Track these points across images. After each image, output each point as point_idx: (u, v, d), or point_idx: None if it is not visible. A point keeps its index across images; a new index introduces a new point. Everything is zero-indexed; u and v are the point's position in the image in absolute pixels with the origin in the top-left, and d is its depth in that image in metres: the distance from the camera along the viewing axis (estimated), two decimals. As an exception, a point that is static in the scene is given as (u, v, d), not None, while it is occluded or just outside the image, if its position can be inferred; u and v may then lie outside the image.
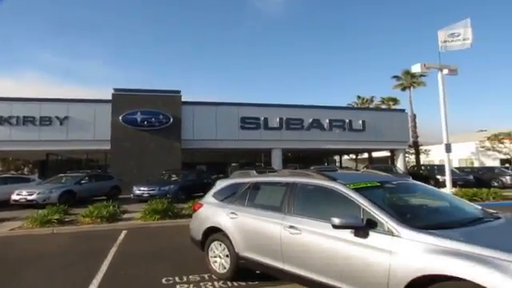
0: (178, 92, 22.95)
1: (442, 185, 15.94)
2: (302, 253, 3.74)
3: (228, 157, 30.13)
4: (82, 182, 16.53)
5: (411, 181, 4.88)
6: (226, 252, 4.92)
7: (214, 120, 23.30)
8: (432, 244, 2.77)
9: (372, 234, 3.12)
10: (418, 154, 35.37)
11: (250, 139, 24.00)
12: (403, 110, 30.16)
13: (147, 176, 18.24)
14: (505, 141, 28.93)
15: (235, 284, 4.81)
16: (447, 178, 15.49)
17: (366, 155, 39.18)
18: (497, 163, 33.35)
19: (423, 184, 4.81)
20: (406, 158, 35.14)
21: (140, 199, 15.08)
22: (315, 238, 3.58)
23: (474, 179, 20.44)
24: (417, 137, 34.95)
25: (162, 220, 10.66)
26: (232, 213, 4.85)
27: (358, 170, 5.35)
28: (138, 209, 12.01)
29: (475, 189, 15.37)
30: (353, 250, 3.21)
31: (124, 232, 9.26)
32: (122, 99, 21.54)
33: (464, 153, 40.48)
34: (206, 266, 5.33)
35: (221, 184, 5.62)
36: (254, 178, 5.10)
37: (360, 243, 3.16)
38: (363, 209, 3.31)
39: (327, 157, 42.69)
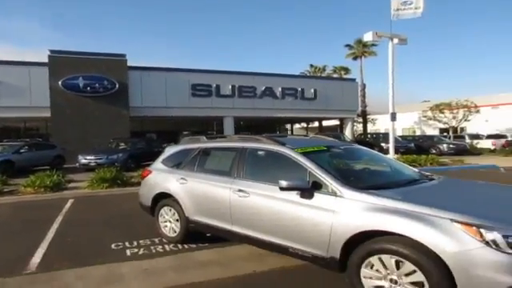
0: (123, 56, 21.88)
1: (386, 152, 16.98)
2: (251, 215, 3.96)
3: (179, 125, 29.73)
4: (21, 151, 15.74)
5: (357, 146, 5.23)
6: (176, 217, 5.08)
7: (164, 87, 22.68)
8: (371, 203, 3.05)
9: (317, 195, 3.37)
10: (365, 122, 37.10)
11: (201, 107, 23.77)
12: (354, 80, 31.24)
13: (93, 145, 17.70)
14: (445, 111, 31.00)
15: (186, 246, 5.02)
16: (390, 146, 16.59)
17: (316, 124, 40.36)
18: (437, 132, 36.03)
19: (368, 149, 5.19)
20: (354, 127, 36.82)
21: (87, 168, 14.75)
22: (263, 201, 3.81)
23: (414, 147, 22.01)
24: (365, 106, 36.54)
25: (110, 188, 10.58)
26: (182, 178, 4.97)
27: (306, 136, 5.61)
28: (85, 178, 11.78)
29: (415, 155, 16.66)
30: (299, 210, 3.46)
31: (70, 201, 9.11)
32: (61, 62, 20.13)
33: (407, 122, 43.17)
34: (156, 230, 5.48)
35: (170, 150, 5.68)
36: (203, 143, 5.20)
37: (306, 204, 3.41)
38: (309, 171, 3.54)
39: (279, 125, 43.47)
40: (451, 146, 22.88)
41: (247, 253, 4.58)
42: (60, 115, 20.14)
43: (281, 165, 3.86)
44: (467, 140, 28.20)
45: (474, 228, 2.53)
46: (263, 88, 25.29)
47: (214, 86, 24.00)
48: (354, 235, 3.04)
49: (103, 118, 20.73)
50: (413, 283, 2.75)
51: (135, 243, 5.28)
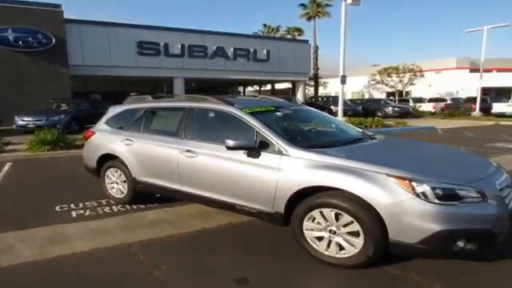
0: (59, 7, 19.96)
1: (335, 114, 17.61)
2: (199, 174, 4.05)
3: (126, 86, 28.50)
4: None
5: (305, 107, 5.40)
6: (123, 178, 5.06)
7: (107, 44, 21.33)
8: (314, 160, 3.24)
9: (263, 154, 3.50)
10: (317, 86, 37.79)
11: (149, 67, 22.80)
12: (307, 41, 31.25)
13: (32, 105, 16.59)
14: (392, 75, 32.37)
15: (134, 207, 5.06)
16: (340, 108, 17.19)
17: (269, 87, 40.54)
18: (384, 96, 37.66)
19: (317, 110, 5.37)
20: (306, 90, 37.39)
21: (25, 130, 13.94)
22: (211, 160, 3.89)
23: (362, 110, 23.00)
24: (317, 69, 37.07)
25: (53, 151, 10.18)
26: (127, 139, 4.90)
27: (256, 97, 5.69)
28: (25, 140, 11.18)
29: (362, 118, 17.47)
30: (246, 168, 3.59)
31: (8, 164, 8.73)
32: (-18, 11, 18.06)
33: (357, 86, 44.60)
34: (103, 192, 5.43)
35: (114, 110, 5.52)
36: (149, 103, 5.10)
37: (252, 162, 3.54)
38: (257, 131, 3.63)
39: (232, 88, 43.14)
40: (396, 109, 24.22)
41: (196, 211, 4.71)
42: (-9, 73, 18.51)
43: (229, 124, 3.92)
44: (411, 103, 29.88)
45: (407, 181, 2.81)
46: (214, 48, 24.67)
47: (163, 44, 22.98)
48: (298, 191, 3.24)
49: (41, 76, 19.31)
50: (349, 233, 3.04)
51: (81, 205, 5.22)
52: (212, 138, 3.96)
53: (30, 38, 18.83)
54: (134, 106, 5.26)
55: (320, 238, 3.22)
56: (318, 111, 5.30)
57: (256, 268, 3.23)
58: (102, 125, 5.55)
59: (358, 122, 16.02)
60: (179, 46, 23.48)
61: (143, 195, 5.03)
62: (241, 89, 42.92)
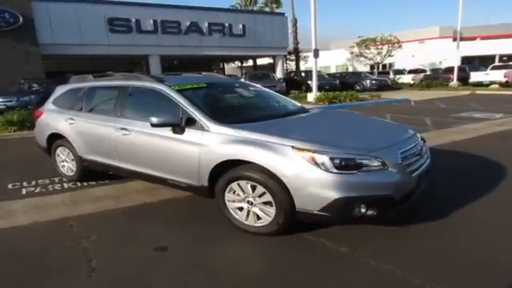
0: (23, -17, 19.25)
1: (311, 89, 17.71)
2: (134, 151, 4.23)
3: (101, 65, 27.95)
4: None
5: (245, 82, 5.53)
6: (72, 156, 5.21)
7: (76, 21, 20.73)
8: (232, 135, 3.40)
9: (188, 131, 3.66)
10: (297, 60, 37.45)
11: (121, 44, 22.36)
12: (283, 14, 30.67)
13: (5, 86, 16.36)
14: (371, 47, 32.06)
15: (85, 184, 5.26)
16: (314, 83, 17.37)
17: (250, 62, 40.17)
18: (367, 68, 37.48)
19: (258, 87, 5.49)
20: (288, 66, 37.15)
21: (-4, 111, 13.88)
22: (142, 137, 4.05)
23: (339, 83, 23.06)
24: (297, 43, 36.67)
25: (20, 132, 10.28)
26: (70, 118, 5.01)
27: (199, 73, 5.75)
28: (-6, 122, 11.21)
29: (338, 92, 17.56)
30: (172, 145, 3.76)
31: None
32: None
33: (341, 59, 44.34)
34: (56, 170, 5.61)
35: (60, 90, 5.59)
36: (90, 82, 5.18)
37: (177, 139, 3.70)
38: (182, 108, 3.77)
39: (213, 64, 42.67)
40: (373, 82, 24.41)
41: (144, 187, 4.88)
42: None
43: (158, 102, 4.03)
44: (391, 76, 30.08)
45: (309, 153, 3.00)
46: (188, 23, 24.19)
47: (134, 20, 22.42)
48: (217, 165, 3.43)
49: (10, 56, 18.87)
50: (264, 203, 3.26)
51: (33, 183, 5.41)
52: (143, 116, 4.07)
53: (-4, 18, 18.32)
54: (77, 85, 5.34)
55: (241, 209, 3.44)
56: (260, 87, 5.42)
57: (179, 238, 3.45)
58: (49, 104, 5.62)
59: (331, 96, 16.15)
60: (151, 21, 22.97)
61: (96, 172, 5.15)
62: (225, 65, 42.34)
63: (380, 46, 31.72)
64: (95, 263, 2.99)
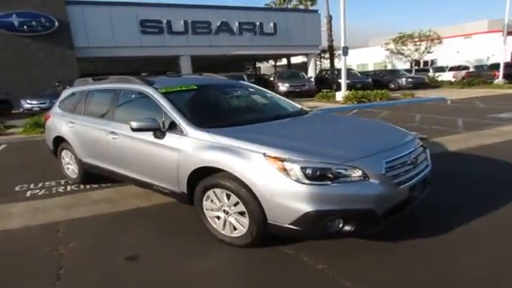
0: (58, -13, 20.11)
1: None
2: (122, 155, 4.23)
3: (135, 67, 28.90)
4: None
5: (245, 84, 5.38)
6: (74, 159, 5.29)
7: (110, 24, 21.54)
8: (208, 141, 3.26)
9: (168, 135, 3.57)
10: (332, 58, 36.52)
11: (153, 46, 22.92)
12: (316, 11, 30.10)
13: (41, 89, 17.32)
14: (408, 43, 30.62)
15: (88, 187, 5.34)
16: (342, 82, 16.93)
17: (284, 61, 39.80)
18: (407, 66, 35.78)
19: (255, 87, 5.32)
20: (322, 64, 36.39)
21: (31, 113, 14.63)
22: (128, 142, 4.02)
23: (372, 82, 22.30)
24: (332, 41, 35.74)
25: (47, 134, 10.70)
26: (70, 122, 5.11)
27: (201, 75, 5.69)
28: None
29: (369, 91, 16.97)
30: (154, 150, 3.69)
31: (2, 146, 9.40)
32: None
33: (380, 57, 42.80)
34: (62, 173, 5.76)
35: (65, 93, 5.74)
36: (89, 85, 5.24)
37: (158, 144, 3.63)
38: (164, 111, 3.70)
39: (245, 64, 42.75)
40: (409, 79, 23.35)
41: (142, 191, 4.82)
42: (1, 58, 19.16)
43: (145, 105, 3.96)
44: (430, 73, 28.66)
45: (280, 161, 2.78)
46: (219, 23, 24.39)
47: (165, 21, 22.95)
48: (194, 171, 3.32)
49: (48, 60, 19.91)
50: (239, 213, 3.10)
51: (40, 185, 5.56)
52: (130, 119, 4.01)
53: (33, 22, 19.33)
54: (79, 88, 5.44)
55: (218, 218, 3.31)
56: (261, 89, 5.23)
57: (156, 246, 3.38)
58: (55, 107, 5.79)
59: (360, 95, 15.61)
60: (182, 22, 23.38)
61: (98, 175, 5.15)
62: (259, 65, 42.02)
63: (418, 43, 30.30)
64: (63, 272, 2.97)
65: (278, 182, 2.75)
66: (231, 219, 3.19)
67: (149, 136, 3.68)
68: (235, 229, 3.19)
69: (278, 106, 4.76)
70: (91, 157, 4.85)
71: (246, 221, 3.05)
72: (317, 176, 2.70)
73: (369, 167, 2.80)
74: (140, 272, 2.94)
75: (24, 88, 18.11)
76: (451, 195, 4.26)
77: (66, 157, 5.51)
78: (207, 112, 4.06)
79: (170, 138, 3.54)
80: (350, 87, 19.03)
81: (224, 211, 3.22)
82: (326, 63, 37.28)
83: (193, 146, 3.33)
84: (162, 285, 2.74)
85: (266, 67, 48.60)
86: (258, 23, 25.67)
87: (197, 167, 3.27)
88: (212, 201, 3.29)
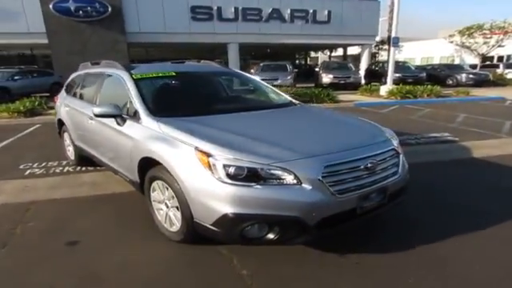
0: (113, -26, 20.73)
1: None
2: (96, 140, 4.33)
3: (184, 53, 29.44)
4: (16, 77, 16.81)
5: (239, 73, 5.21)
6: (70, 141, 5.52)
7: (161, 10, 22.08)
8: (155, 130, 3.17)
9: (128, 122, 3.55)
10: (389, 50, 34.71)
11: (203, 32, 23.14)
12: None
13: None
14: (476, 35, 28.01)
15: (83, 169, 5.54)
16: (389, 75, 16.09)
17: (340, 52, 38.57)
18: (477, 61, 32.86)
19: (251, 77, 5.15)
20: (381, 56, 34.49)
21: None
22: (100, 127, 4.08)
23: (426, 76, 20.84)
24: (391, 31, 33.99)
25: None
26: (67, 105, 5.31)
27: (198, 61, 5.60)
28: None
29: (418, 86, 15.86)
30: (115, 136, 3.72)
31: (36, 126, 10.01)
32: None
33: (447, 50, 39.74)
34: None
35: (70, 77, 5.95)
36: (86, 69, 5.39)
37: (118, 130, 3.63)
38: (130, 98, 3.68)
39: (299, 53, 41.90)
40: (470, 76, 21.40)
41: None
42: (58, 42, 20.44)
43: (120, 90, 3.92)
44: (500, 69, 26.19)
45: (207, 157, 2.62)
46: (270, 10, 23.99)
47: (215, 8, 23.02)
48: (140, 161, 3.28)
49: (100, 44, 20.87)
50: (176, 207, 2.99)
51: (43, 164, 5.87)
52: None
53: (88, 8, 20.35)
54: (80, 72, 5.62)
55: (162, 210, 3.24)
56: (253, 79, 5.04)
57: (102, 234, 3.40)
58: (62, 91, 6.04)
59: (405, 90, 14.68)
60: (232, 9, 23.31)
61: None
62: (316, 54, 40.57)
63: (489, 35, 27.63)
64: (4, 250, 3.10)
65: (203, 178, 2.61)
66: (170, 213, 3.11)
67: (113, 122, 3.70)
68: (173, 224, 3.11)
69: (261, 97, 4.59)
70: (80, 140, 5.03)
71: (179, 216, 2.96)
72: (240, 175, 2.52)
73: (302, 170, 2.55)
74: (69, 259, 2.97)
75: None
76: (414, 208, 3.88)
77: (67, 139, 5.74)
78: (171, 100, 3.92)
79: (128, 126, 3.52)
80: (399, 81, 18.05)
81: (165, 204, 3.16)
82: (384, 55, 35.58)
83: (142, 134, 3.28)
84: (80, 273, 2.75)
85: (323, 58, 47.50)
86: (311, 10, 24.84)
87: (141, 157, 3.23)
88: (157, 193, 3.24)
